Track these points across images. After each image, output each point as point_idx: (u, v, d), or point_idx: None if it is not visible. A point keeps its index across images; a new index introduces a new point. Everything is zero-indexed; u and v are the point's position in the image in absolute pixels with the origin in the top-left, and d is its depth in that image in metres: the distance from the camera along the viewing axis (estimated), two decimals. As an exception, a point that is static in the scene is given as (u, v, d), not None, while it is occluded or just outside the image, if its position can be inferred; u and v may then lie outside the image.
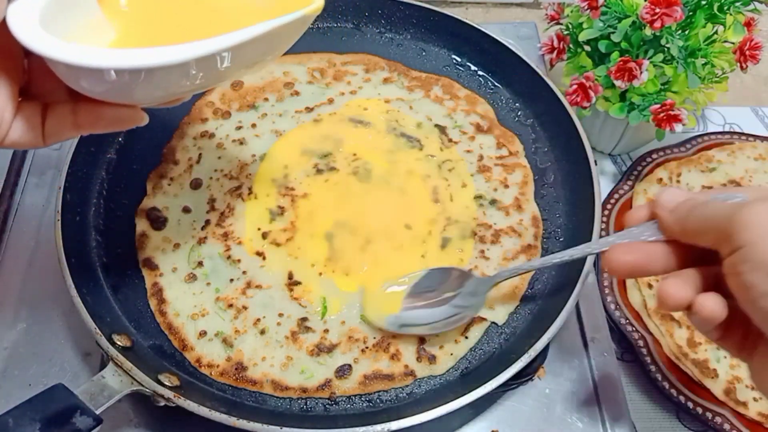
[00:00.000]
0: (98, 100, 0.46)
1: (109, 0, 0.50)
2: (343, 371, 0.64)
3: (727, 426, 0.69)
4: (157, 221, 0.73)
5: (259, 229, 0.72)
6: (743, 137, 0.92)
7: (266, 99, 0.83)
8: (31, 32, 0.41)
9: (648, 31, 0.75)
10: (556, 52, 0.86)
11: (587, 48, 0.84)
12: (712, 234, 0.44)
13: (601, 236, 0.81)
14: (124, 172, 0.77)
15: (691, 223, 0.46)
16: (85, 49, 0.41)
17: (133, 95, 0.46)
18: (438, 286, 0.66)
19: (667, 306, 0.46)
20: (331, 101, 0.83)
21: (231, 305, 0.67)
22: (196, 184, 0.76)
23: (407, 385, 0.64)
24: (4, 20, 0.41)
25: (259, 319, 0.66)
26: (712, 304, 0.44)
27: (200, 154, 0.78)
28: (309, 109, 0.82)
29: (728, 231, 0.42)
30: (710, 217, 0.44)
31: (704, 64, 0.79)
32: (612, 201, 0.86)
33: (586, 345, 0.71)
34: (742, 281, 0.41)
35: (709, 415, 0.69)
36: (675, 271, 0.47)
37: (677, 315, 0.75)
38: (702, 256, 0.46)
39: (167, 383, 0.59)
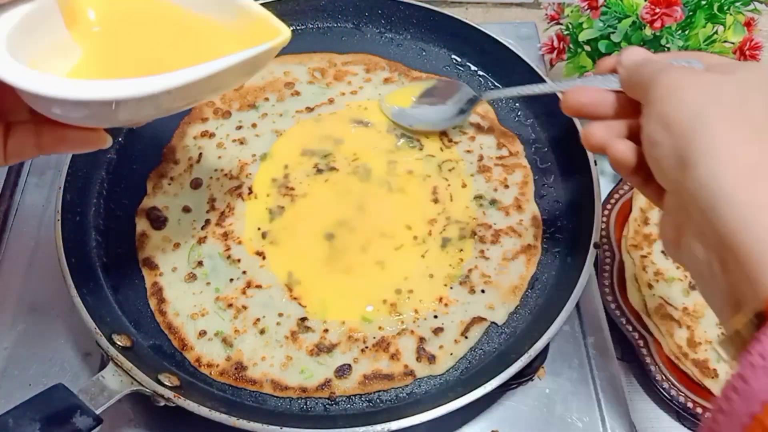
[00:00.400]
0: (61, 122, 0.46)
1: (78, 22, 0.50)
2: (343, 371, 0.64)
3: (727, 426, 0.68)
4: (158, 221, 0.73)
5: (259, 228, 0.72)
6: (743, 137, 0.92)
7: (267, 99, 0.83)
8: None
9: (648, 31, 0.75)
10: (556, 52, 0.86)
11: (587, 48, 0.84)
12: (642, 89, 0.49)
13: (601, 236, 0.81)
14: (124, 172, 0.77)
15: (633, 78, 0.51)
16: (48, 78, 0.41)
17: (94, 121, 0.47)
18: (445, 95, 0.80)
19: (588, 145, 0.53)
20: (331, 101, 0.83)
21: (231, 305, 0.67)
22: (196, 184, 0.76)
23: (407, 385, 0.64)
24: None
25: (258, 319, 0.66)
26: (624, 148, 0.51)
27: (200, 154, 0.78)
28: (309, 109, 0.82)
29: (647, 87, 0.48)
30: (645, 74, 0.49)
31: (704, 64, 0.79)
32: (612, 201, 0.85)
33: (586, 345, 0.71)
34: (644, 132, 0.47)
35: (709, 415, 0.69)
36: (616, 118, 0.54)
37: (677, 315, 0.75)
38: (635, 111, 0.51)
39: (167, 383, 0.59)
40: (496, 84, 0.86)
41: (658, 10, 0.73)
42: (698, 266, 0.44)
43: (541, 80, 0.80)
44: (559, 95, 0.59)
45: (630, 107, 0.53)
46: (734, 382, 0.37)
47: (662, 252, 0.79)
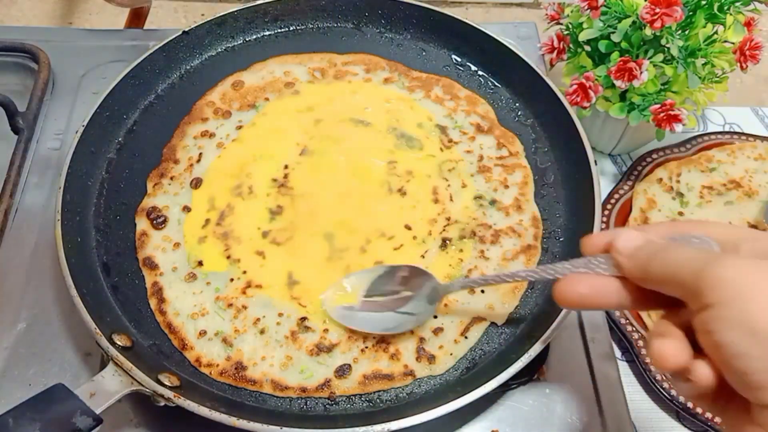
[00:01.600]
0: None
1: None
2: (343, 371, 0.64)
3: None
4: (158, 220, 0.73)
5: (259, 228, 0.72)
6: (743, 137, 0.92)
7: (267, 99, 0.83)
8: None
9: (648, 31, 0.75)
10: (556, 52, 0.86)
11: (587, 48, 0.84)
12: (678, 287, 0.42)
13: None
14: (124, 172, 0.77)
15: (654, 272, 0.44)
16: None
17: None
18: (397, 284, 0.66)
19: (666, 368, 0.43)
20: (331, 101, 0.83)
21: (231, 305, 0.67)
22: (196, 184, 0.76)
23: (407, 385, 0.64)
24: None
25: (258, 319, 0.66)
26: (705, 373, 0.41)
27: (200, 154, 0.78)
28: (309, 109, 0.82)
29: (697, 286, 0.40)
30: (675, 268, 0.42)
31: (704, 64, 0.79)
32: (612, 201, 0.86)
33: (586, 345, 0.71)
34: (715, 340, 0.39)
35: (709, 415, 0.69)
36: (627, 306, 0.46)
37: (677, 315, 0.75)
38: (658, 296, 0.44)
39: (167, 383, 0.59)
40: (497, 84, 0.86)
41: (658, 10, 0.73)
42: None
43: (542, 80, 0.80)
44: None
45: (641, 296, 0.46)
46: None
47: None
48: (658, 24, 0.74)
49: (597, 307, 0.49)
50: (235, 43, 0.89)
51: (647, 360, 0.73)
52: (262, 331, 0.66)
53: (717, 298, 0.39)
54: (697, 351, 0.41)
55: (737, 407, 0.41)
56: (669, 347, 0.42)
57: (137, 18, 1.01)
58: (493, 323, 0.67)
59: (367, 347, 0.65)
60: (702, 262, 0.40)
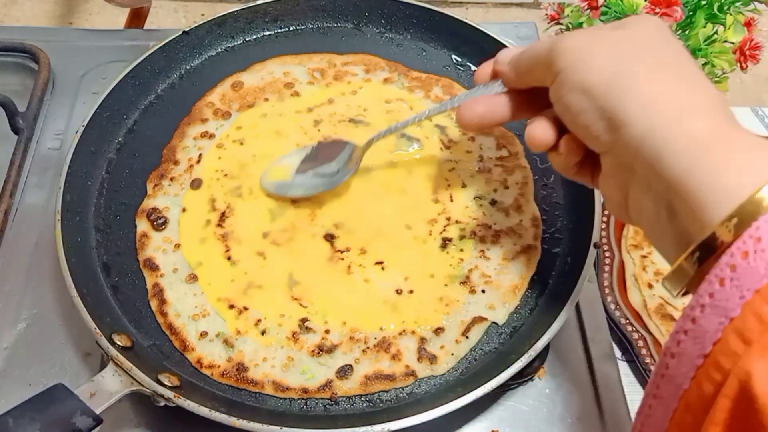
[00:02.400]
0: None
1: None
2: (345, 371, 0.64)
3: (727, 426, 0.69)
4: (158, 222, 0.73)
5: (259, 229, 0.72)
6: (743, 137, 0.92)
7: (266, 99, 0.83)
8: None
9: (648, 32, 0.75)
10: (556, 52, 0.86)
11: (587, 48, 0.84)
12: (539, 69, 0.49)
13: (601, 236, 0.81)
14: (124, 172, 0.77)
15: (521, 65, 0.51)
16: None
17: None
18: (327, 158, 0.74)
19: (537, 146, 0.51)
20: (331, 101, 0.83)
21: (232, 306, 0.67)
22: (196, 184, 0.76)
23: (407, 385, 0.64)
24: None
25: (259, 320, 0.66)
26: (540, 129, 0.51)
27: (200, 154, 0.78)
28: (309, 110, 0.82)
29: (549, 60, 0.47)
30: (535, 54, 0.50)
31: (704, 64, 0.79)
32: (612, 201, 0.86)
33: (586, 345, 0.71)
34: (563, 104, 0.46)
35: (709, 415, 0.69)
36: (516, 115, 0.55)
37: (677, 315, 0.75)
38: (540, 101, 0.51)
39: (167, 383, 0.59)
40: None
41: (658, 10, 0.73)
42: (649, 218, 0.45)
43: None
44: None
45: (525, 103, 0.54)
46: (682, 323, 0.38)
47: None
48: (658, 24, 0.74)
49: (494, 122, 0.56)
50: (235, 43, 0.89)
51: (647, 360, 0.73)
52: (263, 332, 0.66)
53: (561, 65, 0.46)
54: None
55: (603, 171, 0.48)
56: (537, 127, 0.51)
57: (137, 18, 1.02)
58: (493, 323, 0.67)
59: (368, 348, 0.65)
60: (553, 40, 0.48)
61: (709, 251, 0.38)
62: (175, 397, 0.57)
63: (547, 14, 0.89)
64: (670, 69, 0.44)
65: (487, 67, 0.57)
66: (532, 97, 0.53)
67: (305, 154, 0.75)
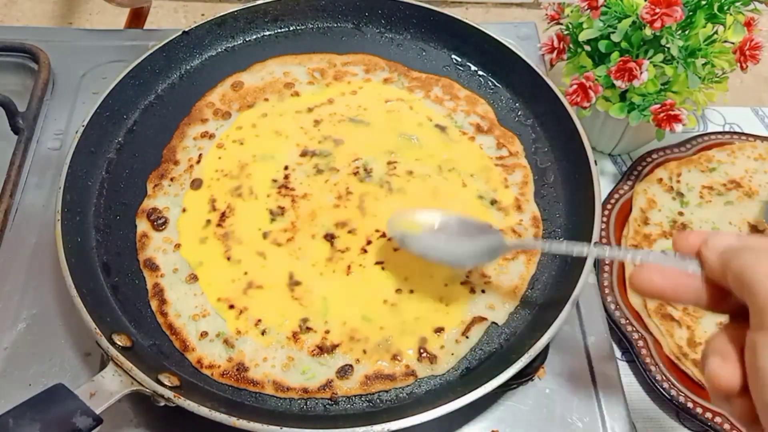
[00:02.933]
0: None
1: None
2: (345, 371, 0.64)
3: (727, 426, 0.69)
4: (158, 222, 0.73)
5: (259, 229, 0.72)
6: (743, 137, 0.92)
7: (266, 99, 0.83)
8: None
9: (648, 31, 0.75)
10: (556, 52, 0.86)
11: (587, 48, 0.84)
12: (749, 295, 0.39)
13: (601, 236, 0.81)
14: (124, 172, 0.77)
15: (733, 269, 0.41)
16: None
17: None
18: (463, 233, 0.66)
19: (717, 391, 0.41)
20: (331, 101, 0.83)
21: (232, 306, 0.67)
22: (196, 185, 0.76)
23: (407, 385, 0.64)
24: None
25: (260, 320, 0.66)
26: (724, 373, 0.40)
27: (200, 155, 0.78)
28: (309, 110, 0.82)
29: (765, 303, 0.37)
30: (753, 275, 0.39)
31: (704, 64, 0.79)
32: (612, 201, 0.86)
33: (586, 345, 0.71)
34: (757, 363, 0.37)
35: (709, 415, 0.69)
36: (698, 305, 0.45)
37: (677, 315, 0.75)
38: (735, 306, 0.42)
39: (167, 383, 0.59)
40: (497, 84, 0.86)
41: (658, 10, 0.73)
42: None
43: (542, 80, 0.80)
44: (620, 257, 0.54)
45: (716, 298, 0.44)
46: None
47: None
48: (658, 24, 0.74)
49: (669, 300, 0.50)
50: (235, 44, 0.89)
51: (647, 360, 0.73)
52: (263, 332, 0.66)
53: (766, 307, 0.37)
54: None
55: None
56: (727, 372, 0.40)
57: (137, 18, 1.01)
58: (493, 323, 0.67)
59: (368, 348, 0.65)
60: None
61: None
62: (175, 397, 0.57)
63: (547, 14, 0.89)
64: None
65: (691, 238, 0.46)
66: (726, 296, 0.43)
67: (446, 220, 0.67)
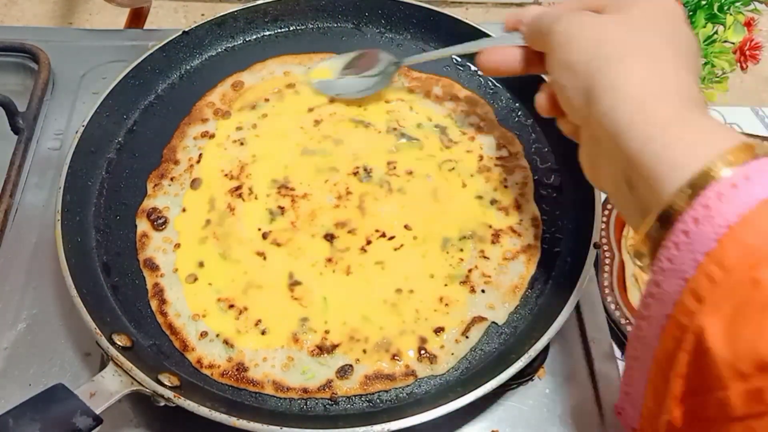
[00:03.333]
0: None
1: None
2: (345, 371, 0.64)
3: (727, 426, 0.69)
4: (158, 222, 0.73)
5: (259, 229, 0.72)
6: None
7: (267, 99, 0.83)
8: None
9: (648, 32, 0.75)
10: (556, 52, 0.86)
11: (587, 48, 0.84)
12: (542, 40, 0.55)
13: (601, 236, 0.81)
14: (125, 172, 0.77)
15: (533, 31, 0.57)
16: None
17: None
18: (368, 66, 0.82)
19: (541, 112, 0.60)
20: (331, 101, 0.83)
21: (232, 306, 0.67)
22: (196, 184, 0.76)
23: (407, 385, 0.64)
24: None
25: (260, 320, 0.66)
26: (541, 101, 0.60)
27: (200, 154, 0.78)
28: (309, 110, 0.82)
29: (546, 37, 0.54)
30: (539, 26, 0.56)
31: (704, 64, 0.79)
32: (612, 201, 0.86)
33: (586, 345, 0.71)
34: (552, 77, 0.54)
35: (709, 415, 0.69)
36: (528, 71, 0.62)
37: (677, 315, 0.75)
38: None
39: (167, 383, 0.59)
40: (497, 84, 0.86)
41: (658, 11, 0.73)
42: (613, 188, 0.49)
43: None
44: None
45: (537, 60, 0.59)
46: (649, 288, 0.42)
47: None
48: (658, 24, 0.74)
49: (508, 72, 0.64)
50: (235, 44, 0.89)
51: (647, 360, 0.73)
52: (263, 332, 0.66)
53: (552, 45, 0.53)
54: None
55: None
56: (539, 98, 0.60)
57: (137, 18, 1.02)
58: (493, 323, 0.67)
59: (368, 348, 0.65)
60: (556, 18, 0.53)
61: (668, 221, 0.41)
62: (175, 397, 0.57)
63: (546, 14, 0.89)
64: (647, 54, 0.48)
65: (514, 17, 0.61)
66: (544, 56, 0.57)
67: (348, 59, 0.83)
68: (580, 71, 0.49)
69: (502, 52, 0.63)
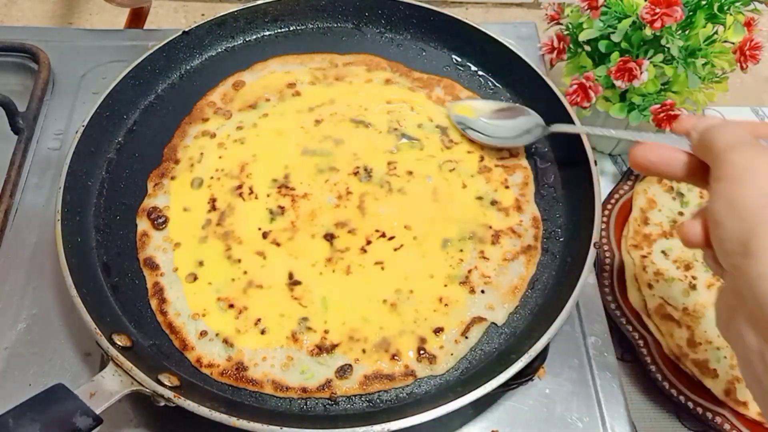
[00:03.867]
0: None
1: None
2: (344, 371, 0.64)
3: (727, 426, 0.69)
4: (158, 221, 0.73)
5: (259, 228, 0.72)
6: (743, 137, 0.92)
7: (268, 99, 0.83)
8: None
9: (648, 31, 0.75)
10: (556, 52, 0.86)
11: (587, 48, 0.84)
12: (712, 161, 0.47)
13: (601, 236, 0.81)
14: (125, 172, 0.77)
15: (704, 143, 0.49)
16: None
17: None
18: (511, 116, 0.79)
19: (686, 243, 0.50)
20: (332, 101, 0.83)
21: (232, 305, 0.67)
22: (197, 184, 0.76)
23: (407, 385, 0.64)
24: None
25: (259, 319, 0.66)
26: (693, 231, 0.49)
27: (201, 154, 0.78)
28: (310, 110, 0.82)
29: (716, 161, 0.46)
30: (715, 141, 0.47)
31: (704, 64, 0.79)
32: (612, 201, 0.86)
33: (586, 345, 0.71)
34: (709, 208, 0.46)
35: (709, 415, 0.69)
36: (688, 180, 0.52)
37: (677, 315, 0.75)
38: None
39: (167, 383, 0.59)
40: (497, 84, 0.86)
41: (658, 10, 0.73)
42: (746, 353, 0.43)
43: (542, 80, 0.80)
44: (628, 138, 0.61)
45: (703, 172, 0.50)
46: None
47: (662, 252, 0.79)
48: (658, 24, 0.74)
49: (663, 175, 0.54)
50: (235, 44, 0.89)
51: (647, 360, 0.73)
52: (263, 332, 0.66)
53: (721, 174, 0.45)
54: None
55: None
56: (689, 228, 0.49)
57: (137, 18, 1.02)
58: (493, 323, 0.67)
59: (368, 348, 0.65)
60: (731, 144, 0.46)
61: None
62: (175, 397, 0.57)
63: (547, 14, 0.89)
64: None
65: (687, 123, 0.53)
66: (706, 169, 0.50)
67: (494, 106, 0.81)
68: (746, 216, 0.42)
69: (663, 152, 0.53)
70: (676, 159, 0.52)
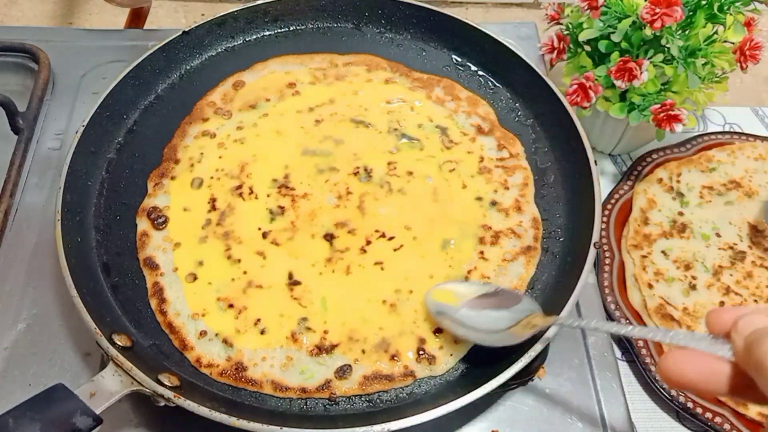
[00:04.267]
0: None
1: None
2: (343, 372, 0.64)
3: (727, 426, 0.69)
4: (158, 221, 0.73)
5: (259, 228, 0.72)
6: (743, 137, 0.92)
7: (268, 99, 0.83)
8: None
9: (648, 31, 0.75)
10: (556, 52, 0.86)
11: (587, 48, 0.84)
12: (762, 372, 0.37)
13: (601, 236, 0.81)
14: (125, 172, 0.77)
15: (751, 351, 0.39)
16: None
17: None
18: (502, 305, 0.64)
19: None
20: (332, 101, 0.83)
21: (231, 305, 0.67)
22: (197, 184, 0.76)
23: (407, 386, 0.64)
24: None
25: (259, 319, 0.66)
26: None
27: (201, 154, 0.78)
28: (310, 110, 0.82)
29: None
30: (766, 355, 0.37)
31: (704, 64, 0.79)
32: (612, 201, 0.86)
33: (586, 345, 0.71)
34: None
35: (709, 415, 0.69)
36: (733, 395, 0.41)
37: (677, 315, 0.75)
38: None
39: (167, 383, 0.59)
40: (497, 84, 0.86)
41: (658, 10, 0.73)
42: None
43: (542, 80, 0.80)
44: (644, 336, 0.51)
45: (749, 388, 0.40)
46: None
47: (662, 252, 0.79)
48: (658, 24, 0.74)
49: (699, 392, 0.43)
50: (236, 43, 0.89)
51: (647, 360, 0.73)
52: (262, 332, 0.66)
53: None
54: None
55: None
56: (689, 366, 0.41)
57: (137, 18, 1.02)
58: (493, 323, 0.67)
59: (367, 348, 0.65)
60: None
61: None
62: (175, 397, 0.57)
63: (547, 14, 0.89)
64: None
65: (725, 317, 0.42)
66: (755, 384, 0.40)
67: (481, 290, 0.66)
68: None
69: (700, 364, 0.41)
70: (719, 370, 0.41)
